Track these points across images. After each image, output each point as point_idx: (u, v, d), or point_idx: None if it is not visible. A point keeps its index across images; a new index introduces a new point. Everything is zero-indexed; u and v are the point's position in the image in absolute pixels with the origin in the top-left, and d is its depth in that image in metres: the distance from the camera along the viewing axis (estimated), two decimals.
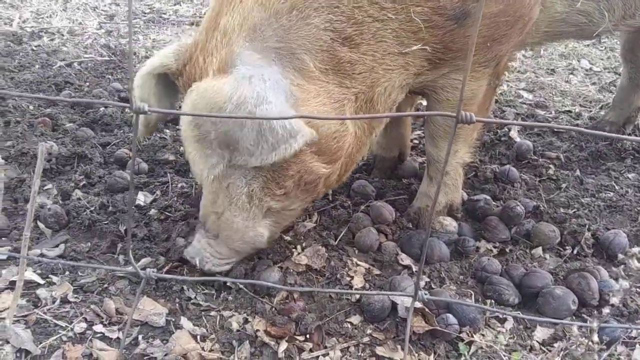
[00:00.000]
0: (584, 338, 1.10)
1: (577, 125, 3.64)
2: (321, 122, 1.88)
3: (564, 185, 2.94)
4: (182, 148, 3.09)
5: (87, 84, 3.93)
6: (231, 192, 1.96)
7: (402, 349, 1.91)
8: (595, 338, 1.09)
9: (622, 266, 1.17)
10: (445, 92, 2.25)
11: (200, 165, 1.82)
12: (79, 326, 1.91)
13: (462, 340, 1.94)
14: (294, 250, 2.29)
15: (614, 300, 1.07)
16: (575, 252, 2.42)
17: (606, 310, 1.13)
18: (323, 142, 1.92)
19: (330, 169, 2.01)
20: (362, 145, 2.15)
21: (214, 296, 2.11)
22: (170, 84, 2.05)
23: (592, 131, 0.95)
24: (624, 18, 2.52)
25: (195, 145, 1.80)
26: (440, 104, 2.29)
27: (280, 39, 1.84)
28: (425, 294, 1.09)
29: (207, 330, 1.95)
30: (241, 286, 2.13)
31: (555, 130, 3.58)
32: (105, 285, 2.11)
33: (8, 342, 1.78)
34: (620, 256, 1.99)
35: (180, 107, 1.97)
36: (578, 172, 3.08)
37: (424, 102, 2.52)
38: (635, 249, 1.05)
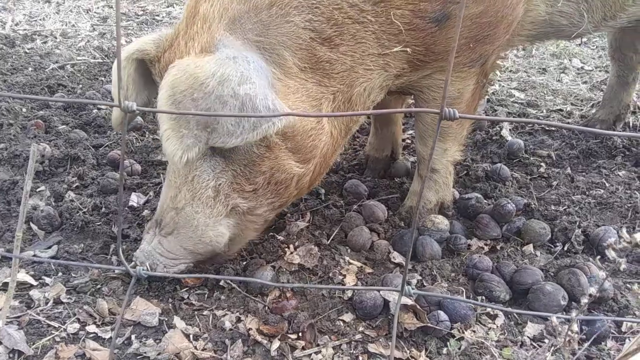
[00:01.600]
0: (564, 327, 1.11)
1: (567, 123, 3.66)
2: (298, 119, 1.87)
3: (554, 183, 2.96)
4: None
5: (80, 86, 3.93)
6: (195, 186, 1.90)
7: (394, 345, 1.93)
8: (575, 328, 1.10)
9: (599, 257, 1.18)
10: (432, 91, 2.27)
11: (174, 145, 1.70)
12: (72, 326, 1.92)
13: (454, 336, 1.96)
14: (286, 249, 2.30)
15: (592, 290, 1.08)
16: (565, 248, 2.44)
17: (584, 300, 1.14)
18: (299, 139, 1.92)
19: (304, 168, 2.00)
20: (337, 147, 2.15)
21: (207, 296, 2.12)
22: (149, 73, 2.02)
23: (567, 125, 0.97)
24: (605, 19, 2.55)
25: (171, 122, 1.70)
26: (427, 103, 2.30)
27: (259, 33, 1.84)
28: (412, 289, 1.10)
29: (199, 330, 1.96)
30: (234, 285, 2.14)
31: (547, 128, 3.61)
32: (99, 286, 2.12)
33: (1, 343, 1.79)
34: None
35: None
36: (569, 170, 3.10)
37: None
38: (611, 239, 1.06)
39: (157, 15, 5.92)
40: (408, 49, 2.01)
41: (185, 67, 1.70)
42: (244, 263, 2.23)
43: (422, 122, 2.41)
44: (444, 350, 1.92)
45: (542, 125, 3.64)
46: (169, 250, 1.96)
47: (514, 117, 3.80)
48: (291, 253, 2.27)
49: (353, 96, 2.04)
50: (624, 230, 1.01)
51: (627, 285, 2.22)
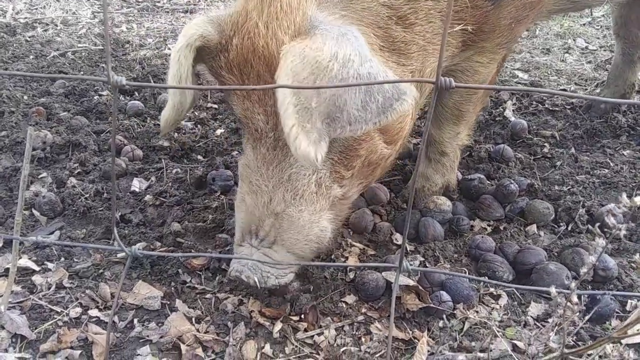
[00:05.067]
0: (563, 299, 1.10)
1: (572, 104, 3.62)
2: None
3: (558, 163, 2.94)
4: (176, 134, 3.09)
5: (81, 73, 3.92)
6: (295, 184, 1.75)
7: (397, 326, 1.93)
8: (575, 299, 1.08)
9: (598, 224, 1.16)
10: (466, 75, 2.23)
11: (305, 143, 1.47)
12: (74, 311, 1.92)
13: (456, 317, 1.95)
14: None
15: (591, 258, 1.06)
16: (569, 228, 2.43)
17: (584, 269, 1.13)
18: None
19: (390, 150, 1.92)
20: (410, 129, 2.06)
21: (209, 279, 2.12)
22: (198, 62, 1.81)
23: (568, 93, 0.95)
24: None
25: (296, 117, 1.47)
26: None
27: (345, 7, 1.72)
28: (410, 264, 1.09)
29: (202, 313, 1.96)
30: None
31: (551, 109, 3.58)
32: (101, 271, 2.12)
33: (3, 328, 1.80)
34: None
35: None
36: (573, 150, 3.07)
37: None
38: (610, 205, 1.03)
39: (158, 2, 5.89)
40: (469, 27, 1.95)
41: (301, 51, 1.50)
42: None
43: (440, 105, 2.37)
44: (447, 331, 1.92)
45: (546, 105, 3.61)
46: (279, 260, 1.80)
47: (517, 97, 3.76)
48: None
49: (424, 76, 1.96)
50: (624, 195, 0.99)
51: (632, 264, 2.21)
